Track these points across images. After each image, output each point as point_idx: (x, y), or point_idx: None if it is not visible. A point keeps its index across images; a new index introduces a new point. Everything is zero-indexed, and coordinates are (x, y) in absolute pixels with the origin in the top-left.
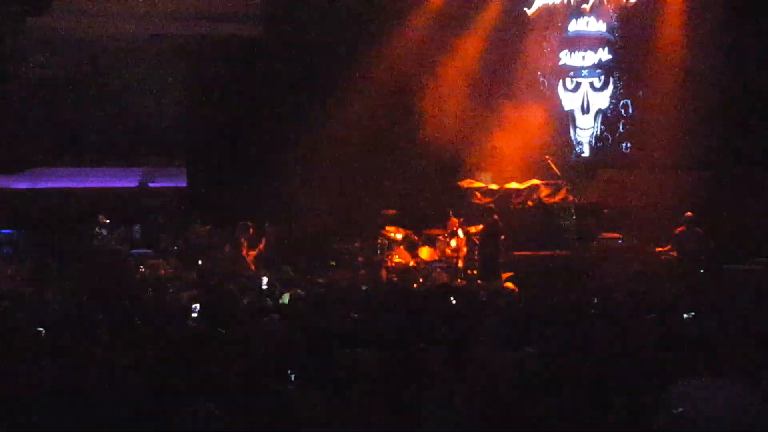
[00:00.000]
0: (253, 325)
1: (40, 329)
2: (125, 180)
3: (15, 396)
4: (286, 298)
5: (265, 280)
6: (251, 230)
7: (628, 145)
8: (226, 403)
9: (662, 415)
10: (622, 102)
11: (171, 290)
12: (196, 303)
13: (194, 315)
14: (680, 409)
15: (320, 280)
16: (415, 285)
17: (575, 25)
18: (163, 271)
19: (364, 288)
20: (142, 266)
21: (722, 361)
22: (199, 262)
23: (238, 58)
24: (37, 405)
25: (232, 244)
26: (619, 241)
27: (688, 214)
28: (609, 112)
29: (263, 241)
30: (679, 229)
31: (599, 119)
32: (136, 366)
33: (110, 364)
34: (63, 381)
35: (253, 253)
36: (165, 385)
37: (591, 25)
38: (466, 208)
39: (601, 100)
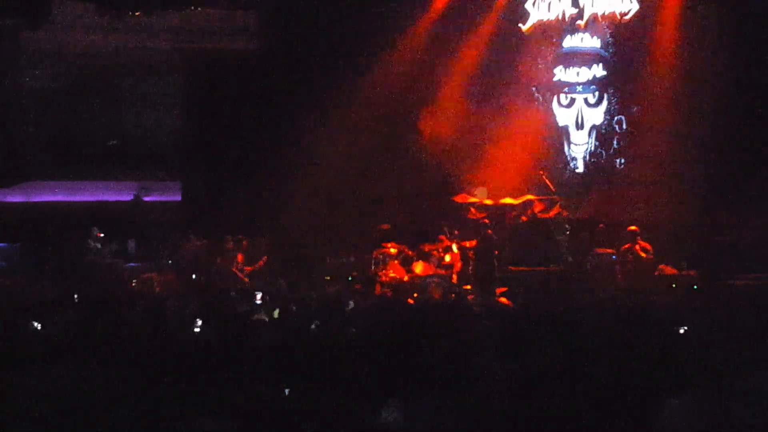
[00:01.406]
0: (248, 337)
1: (39, 340)
2: (120, 194)
3: (15, 410)
4: (276, 313)
5: (259, 294)
6: (245, 242)
7: (623, 161)
8: (225, 416)
9: (657, 430)
10: (616, 118)
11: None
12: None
13: (197, 330)
14: (679, 424)
15: (313, 295)
16: (410, 300)
17: (570, 41)
18: (158, 288)
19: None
20: (135, 280)
21: (715, 375)
22: (193, 276)
23: (233, 71)
24: (37, 419)
25: (225, 258)
26: (613, 257)
27: (632, 228)
28: (603, 128)
29: (264, 258)
30: (625, 246)
31: (593, 135)
32: (136, 380)
33: (109, 378)
34: (62, 395)
35: (249, 268)
36: (165, 400)
37: (585, 41)
38: (460, 223)
39: (596, 116)
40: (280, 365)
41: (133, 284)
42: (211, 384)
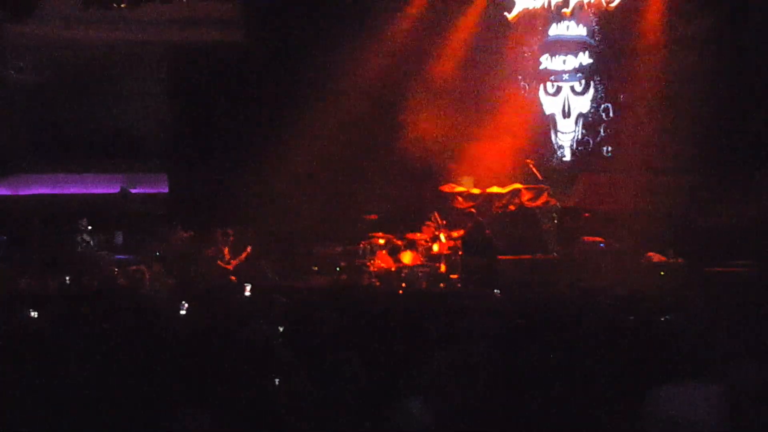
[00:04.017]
0: (238, 329)
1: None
2: (107, 186)
3: (3, 402)
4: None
5: (248, 287)
6: (232, 238)
7: (609, 148)
8: (216, 409)
9: (650, 419)
10: (602, 106)
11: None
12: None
13: (182, 312)
14: (672, 413)
15: (300, 285)
16: (400, 291)
17: (556, 29)
18: (147, 281)
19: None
20: (123, 272)
21: (705, 364)
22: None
23: (220, 63)
24: (25, 411)
25: (213, 251)
26: (601, 245)
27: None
28: (590, 116)
29: (247, 249)
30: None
31: (580, 123)
32: (126, 372)
33: (99, 371)
34: (51, 388)
35: (235, 262)
36: (155, 392)
37: (571, 29)
38: (448, 212)
39: (582, 104)
40: (268, 358)
41: (121, 276)
42: (200, 376)
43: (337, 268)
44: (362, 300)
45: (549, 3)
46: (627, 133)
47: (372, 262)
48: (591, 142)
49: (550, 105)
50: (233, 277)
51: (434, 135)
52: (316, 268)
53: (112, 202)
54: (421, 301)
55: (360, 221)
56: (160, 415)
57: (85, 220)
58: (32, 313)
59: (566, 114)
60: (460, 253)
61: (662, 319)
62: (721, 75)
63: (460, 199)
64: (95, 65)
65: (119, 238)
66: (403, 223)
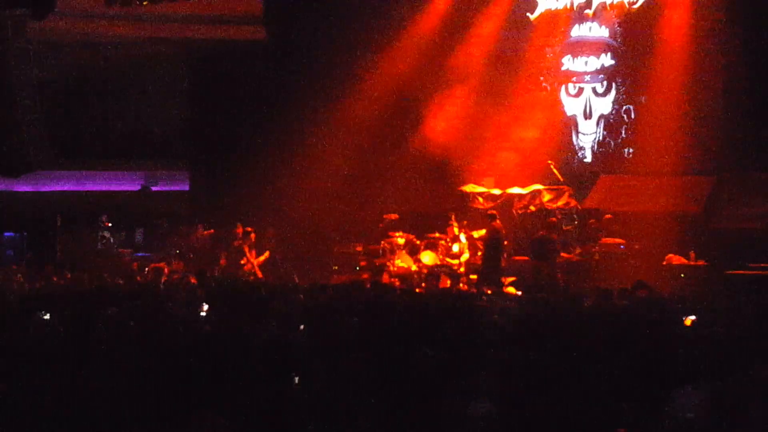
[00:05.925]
0: (257, 330)
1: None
2: (128, 183)
3: (18, 402)
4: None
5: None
6: (252, 236)
7: (631, 150)
8: (231, 413)
9: (669, 420)
10: (624, 107)
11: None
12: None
13: (203, 314)
14: (690, 415)
15: (320, 284)
16: (417, 290)
17: (578, 31)
18: (166, 273)
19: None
20: (147, 269)
21: (724, 366)
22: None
23: (240, 61)
24: (40, 413)
25: (234, 249)
26: (621, 247)
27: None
28: (611, 117)
29: (266, 254)
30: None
31: (601, 124)
32: (141, 374)
33: (115, 372)
34: (66, 390)
35: (254, 261)
36: (170, 395)
37: (593, 30)
38: (468, 212)
39: (604, 106)
40: (281, 360)
41: (145, 272)
42: (213, 378)
43: (357, 268)
44: (381, 299)
45: (571, 4)
46: (648, 134)
47: (392, 261)
48: (612, 143)
49: (572, 106)
50: (253, 276)
51: (456, 135)
52: (336, 268)
53: (132, 200)
54: (441, 301)
55: (380, 221)
56: (176, 417)
57: (105, 217)
58: (47, 314)
59: (588, 115)
60: (479, 253)
61: (683, 318)
62: (743, 77)
63: (480, 199)
64: (116, 63)
65: (139, 236)
66: (424, 222)
